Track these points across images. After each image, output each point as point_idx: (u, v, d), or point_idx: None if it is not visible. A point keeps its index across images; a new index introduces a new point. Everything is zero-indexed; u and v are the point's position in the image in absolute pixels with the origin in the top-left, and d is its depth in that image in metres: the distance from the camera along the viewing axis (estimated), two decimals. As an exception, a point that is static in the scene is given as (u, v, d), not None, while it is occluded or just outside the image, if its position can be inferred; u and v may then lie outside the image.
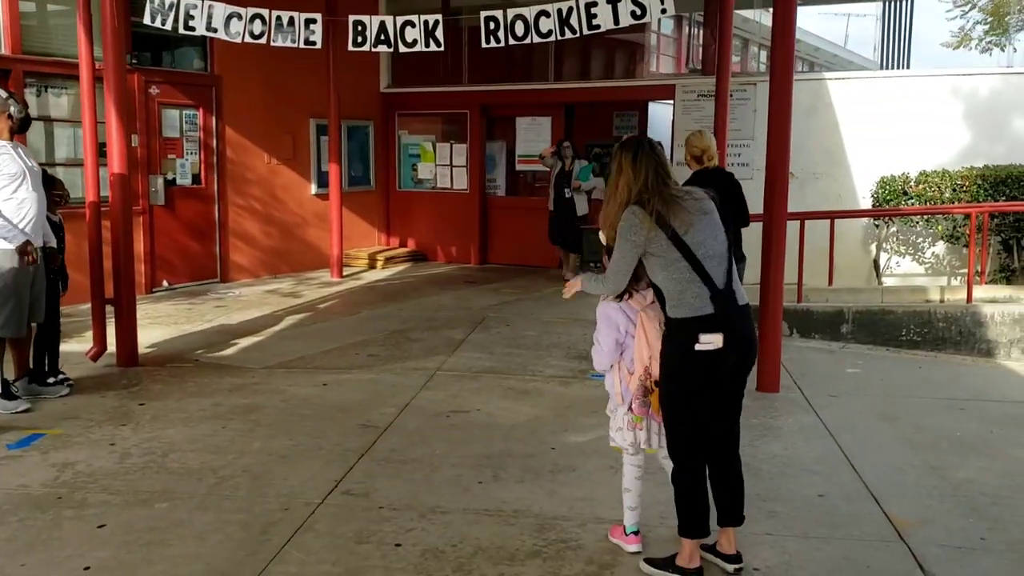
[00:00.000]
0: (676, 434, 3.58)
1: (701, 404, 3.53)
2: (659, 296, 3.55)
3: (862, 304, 8.36)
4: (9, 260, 5.53)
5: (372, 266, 12.56)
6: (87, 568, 3.65)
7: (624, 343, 3.77)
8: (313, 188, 12.23)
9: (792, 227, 8.47)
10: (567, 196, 11.14)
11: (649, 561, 3.69)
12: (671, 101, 11.86)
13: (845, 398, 6.34)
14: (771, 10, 6.48)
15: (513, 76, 13.29)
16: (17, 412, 5.63)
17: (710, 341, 3.42)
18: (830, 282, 9.42)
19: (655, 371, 3.63)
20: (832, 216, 9.33)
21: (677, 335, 3.48)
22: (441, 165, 13.18)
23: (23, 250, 5.46)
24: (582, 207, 11.23)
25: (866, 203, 10.56)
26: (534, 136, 12.35)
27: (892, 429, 5.64)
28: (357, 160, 13.09)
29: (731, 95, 10.27)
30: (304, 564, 3.72)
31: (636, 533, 3.86)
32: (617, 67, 14.14)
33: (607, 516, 4.16)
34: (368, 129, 13.24)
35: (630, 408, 3.74)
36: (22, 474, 4.66)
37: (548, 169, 11.50)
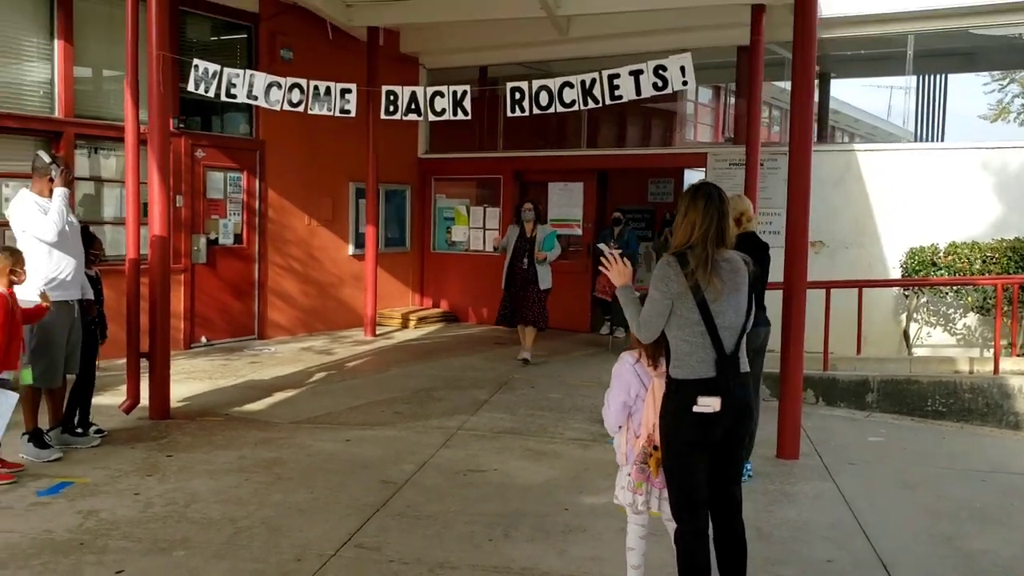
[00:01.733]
0: (675, 492, 3.65)
1: (698, 462, 3.60)
2: (653, 350, 3.64)
3: (888, 373, 8.33)
4: (46, 313, 5.79)
5: (405, 325, 12.76)
6: (103, 611, 3.78)
7: (634, 406, 3.86)
8: (350, 249, 12.53)
9: (820, 296, 8.55)
10: (524, 266, 9.73)
11: (650, 621, 3.73)
12: (705, 169, 12.04)
13: (865, 466, 6.31)
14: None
15: (547, 143, 13.58)
16: (49, 461, 5.83)
17: (708, 404, 3.51)
18: (858, 351, 9.40)
19: (657, 438, 3.72)
20: (860, 285, 9.35)
21: (676, 395, 3.57)
22: (475, 228, 13.45)
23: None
24: (546, 279, 9.82)
25: (896, 273, 10.56)
26: (566, 201, 12.59)
27: (910, 497, 5.61)
28: (394, 222, 13.41)
29: (761, 164, 10.42)
30: (311, 614, 3.81)
31: (639, 593, 3.90)
32: (652, 135, 14.40)
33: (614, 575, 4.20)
34: (405, 192, 13.58)
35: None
36: (48, 520, 4.83)
37: (501, 253, 10.17)
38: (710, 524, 3.71)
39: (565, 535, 4.80)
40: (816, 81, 12.94)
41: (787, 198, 6.48)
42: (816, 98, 12.98)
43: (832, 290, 9.02)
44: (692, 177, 14.65)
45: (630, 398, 3.86)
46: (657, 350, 3.77)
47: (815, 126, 7.66)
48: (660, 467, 3.74)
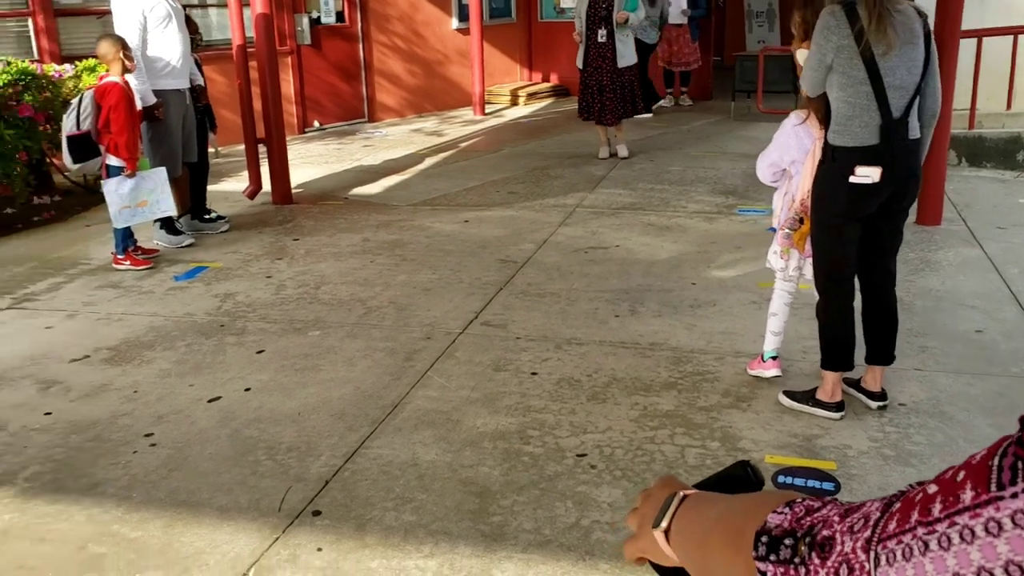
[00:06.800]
0: (820, 263, 3.45)
1: (848, 234, 3.34)
2: (824, 112, 3.31)
3: (1043, 130, 7.63)
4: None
5: (514, 103, 12.39)
6: (248, 389, 3.93)
7: (792, 169, 3.60)
8: (454, 22, 12.03)
9: (966, 47, 7.72)
10: (600, 40, 7.96)
11: (788, 394, 3.63)
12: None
13: (1015, 230, 5.90)
14: None
15: None
16: (182, 247, 6.00)
17: (867, 175, 3.20)
18: (1008, 106, 8.61)
19: (809, 206, 3.46)
20: (1016, 32, 8.41)
21: (833, 162, 3.27)
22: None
23: (155, 108, 5.63)
24: (626, 55, 8.04)
25: (1058, 17, 9.45)
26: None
27: (1067, 263, 5.23)
28: (498, -10, 12.74)
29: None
30: (445, 389, 3.87)
31: (775, 359, 3.80)
32: None
33: (747, 350, 4.09)
34: (509, -42, 12.79)
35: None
36: (188, 303, 5.00)
37: (578, 36, 8.15)
38: (856, 297, 3.51)
39: (694, 310, 4.68)
40: None
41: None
42: None
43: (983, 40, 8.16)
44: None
45: (783, 161, 3.59)
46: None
47: None
48: (806, 240, 3.52)
